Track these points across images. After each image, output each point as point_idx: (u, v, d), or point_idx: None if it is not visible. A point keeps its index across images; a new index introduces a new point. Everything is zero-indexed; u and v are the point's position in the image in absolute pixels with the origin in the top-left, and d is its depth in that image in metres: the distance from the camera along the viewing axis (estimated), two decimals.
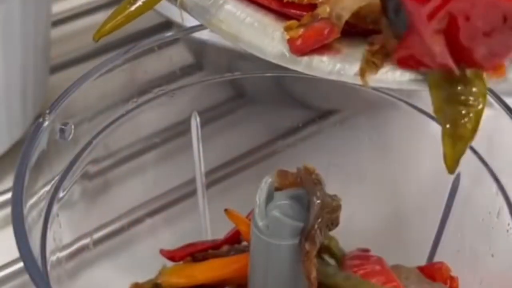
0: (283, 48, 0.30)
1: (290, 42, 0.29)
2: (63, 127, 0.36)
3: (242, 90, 0.51)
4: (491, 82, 0.28)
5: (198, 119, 0.44)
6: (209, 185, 0.46)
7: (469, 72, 0.28)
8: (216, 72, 0.42)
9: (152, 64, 0.40)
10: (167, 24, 0.50)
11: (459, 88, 0.28)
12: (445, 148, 0.28)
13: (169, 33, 0.40)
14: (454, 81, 0.28)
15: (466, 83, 0.28)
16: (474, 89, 0.28)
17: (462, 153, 0.28)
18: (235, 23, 0.30)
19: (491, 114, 0.37)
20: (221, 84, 0.42)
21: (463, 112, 0.28)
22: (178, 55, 0.42)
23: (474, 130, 0.28)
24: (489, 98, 0.37)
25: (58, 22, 0.59)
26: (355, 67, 0.29)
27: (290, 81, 0.44)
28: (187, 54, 0.47)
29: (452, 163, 0.28)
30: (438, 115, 0.29)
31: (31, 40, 0.48)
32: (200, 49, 0.47)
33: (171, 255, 0.41)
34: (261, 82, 0.43)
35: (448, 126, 0.28)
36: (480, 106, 0.28)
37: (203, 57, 0.46)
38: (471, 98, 0.28)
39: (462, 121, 0.28)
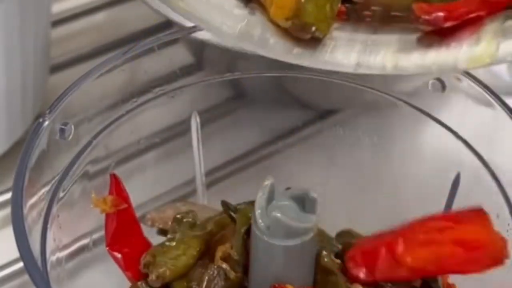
0: (240, 26, 0.29)
1: None
2: (63, 127, 0.36)
3: (242, 90, 0.51)
4: None
5: (198, 119, 0.44)
6: (209, 185, 0.46)
7: None
8: (216, 72, 0.42)
9: (152, 64, 0.40)
10: (167, 24, 0.50)
11: None
12: None
13: (169, 33, 0.40)
14: None
15: None
16: None
17: None
18: (194, 0, 0.30)
19: (491, 114, 0.37)
20: (221, 84, 0.42)
21: None
22: (178, 55, 0.42)
23: None
24: (489, 98, 0.37)
25: (58, 22, 0.59)
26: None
27: (290, 81, 0.44)
28: (187, 54, 0.47)
29: None
30: None
31: (31, 40, 0.48)
32: (200, 49, 0.47)
33: None
34: (261, 82, 0.43)
35: None
36: None
37: (203, 57, 0.46)
38: None
39: None
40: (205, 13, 0.30)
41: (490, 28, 0.27)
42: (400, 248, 0.35)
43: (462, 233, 0.33)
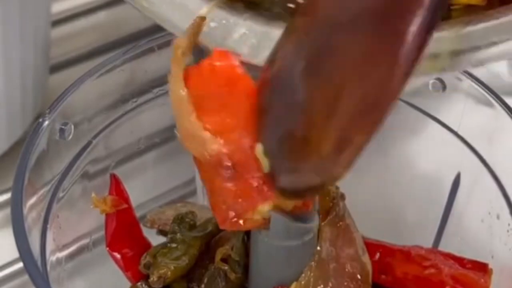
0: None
1: None
2: (63, 127, 0.36)
3: None
4: None
5: None
6: None
7: None
8: None
9: (152, 64, 0.40)
10: None
11: None
12: None
13: (169, 33, 0.40)
14: None
15: None
16: None
17: None
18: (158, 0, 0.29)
19: (491, 114, 0.37)
20: None
21: None
22: None
23: None
24: (489, 98, 0.37)
25: (58, 22, 0.59)
26: None
27: None
28: None
29: None
30: None
31: (31, 40, 0.48)
32: (200, 49, 0.47)
33: None
34: None
35: None
36: None
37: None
38: None
39: None
40: (169, 13, 0.29)
41: (448, 36, 0.27)
42: (397, 257, 0.35)
43: (460, 275, 0.35)
